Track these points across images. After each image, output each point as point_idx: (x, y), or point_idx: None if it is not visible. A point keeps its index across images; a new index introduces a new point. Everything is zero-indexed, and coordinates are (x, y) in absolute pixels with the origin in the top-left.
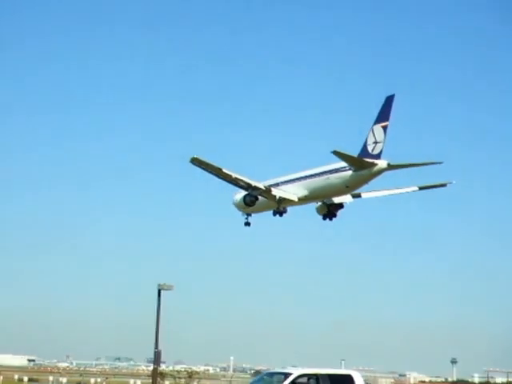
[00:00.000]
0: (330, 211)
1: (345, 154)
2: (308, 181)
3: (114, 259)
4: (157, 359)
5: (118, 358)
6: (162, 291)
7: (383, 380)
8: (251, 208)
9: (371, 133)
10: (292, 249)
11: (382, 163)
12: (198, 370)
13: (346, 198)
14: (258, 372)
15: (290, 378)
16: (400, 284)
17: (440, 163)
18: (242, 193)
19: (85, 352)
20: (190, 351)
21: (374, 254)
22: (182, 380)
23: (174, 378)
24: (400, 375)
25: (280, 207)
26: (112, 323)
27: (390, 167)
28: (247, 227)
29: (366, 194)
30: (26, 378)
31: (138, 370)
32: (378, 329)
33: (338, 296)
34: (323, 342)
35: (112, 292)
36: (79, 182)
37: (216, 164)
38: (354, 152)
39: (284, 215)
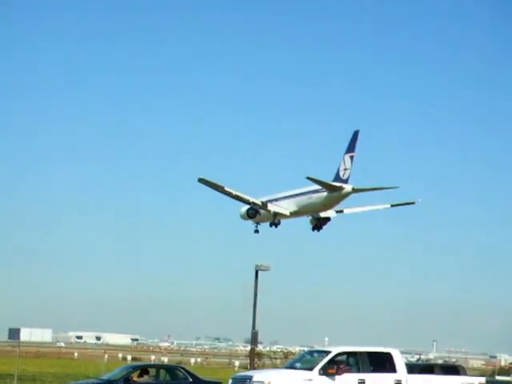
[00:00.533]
0: (317, 224)
1: (317, 180)
2: (297, 198)
3: (213, 239)
4: (254, 340)
5: (217, 339)
6: (259, 272)
7: (474, 361)
8: (254, 219)
9: (342, 161)
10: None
11: (347, 187)
12: (293, 350)
13: (331, 213)
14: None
15: (329, 356)
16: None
17: (396, 187)
18: (246, 207)
19: (185, 332)
20: (286, 332)
21: None
22: (278, 360)
23: (271, 358)
24: (491, 357)
25: (275, 220)
26: (212, 304)
27: (354, 190)
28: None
29: (348, 209)
30: (129, 357)
31: (236, 350)
32: (469, 310)
33: (421, 278)
34: (416, 324)
35: (211, 273)
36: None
37: (219, 183)
38: (331, 176)
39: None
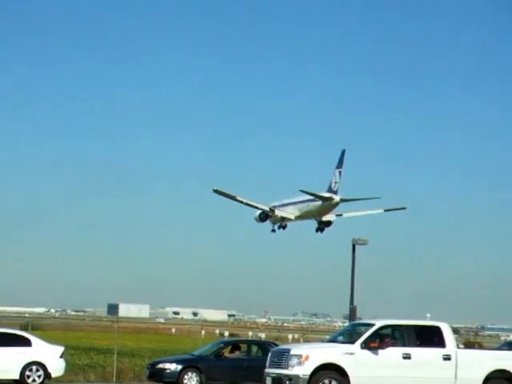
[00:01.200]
0: (320, 226)
1: (308, 192)
2: (299, 205)
3: None
4: (352, 315)
5: (315, 314)
6: (356, 246)
7: None
8: (268, 221)
9: (333, 175)
10: None
11: (336, 198)
12: None
13: (331, 217)
14: (455, 330)
15: (372, 329)
16: None
17: (378, 198)
18: (259, 211)
19: (282, 308)
20: (385, 307)
21: None
22: None
23: None
24: None
25: (282, 223)
26: (309, 279)
27: (342, 200)
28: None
29: (346, 214)
30: (226, 333)
31: (334, 326)
32: None
33: None
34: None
35: (308, 247)
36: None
37: (232, 193)
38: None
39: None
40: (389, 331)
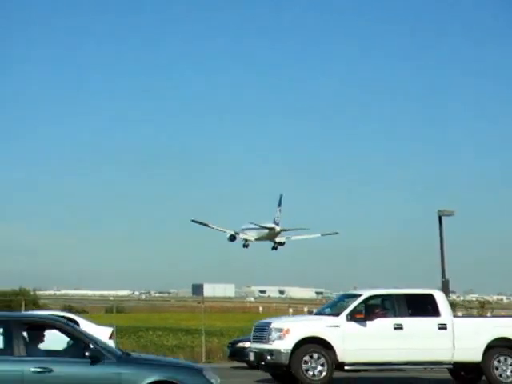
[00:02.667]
0: (275, 246)
1: (256, 224)
2: (255, 231)
3: (396, 185)
4: (445, 289)
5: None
6: (442, 218)
7: None
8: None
9: (276, 211)
10: None
11: (277, 228)
12: (490, 299)
13: (282, 239)
14: None
15: (359, 300)
16: None
17: (308, 228)
18: (228, 234)
19: (372, 284)
20: (481, 280)
21: None
22: (474, 310)
23: (466, 308)
24: None
25: (246, 243)
26: (395, 253)
27: (282, 230)
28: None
29: (294, 237)
30: (315, 310)
31: None
32: None
33: None
34: None
35: (394, 220)
36: None
37: (204, 221)
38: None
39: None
40: (378, 301)
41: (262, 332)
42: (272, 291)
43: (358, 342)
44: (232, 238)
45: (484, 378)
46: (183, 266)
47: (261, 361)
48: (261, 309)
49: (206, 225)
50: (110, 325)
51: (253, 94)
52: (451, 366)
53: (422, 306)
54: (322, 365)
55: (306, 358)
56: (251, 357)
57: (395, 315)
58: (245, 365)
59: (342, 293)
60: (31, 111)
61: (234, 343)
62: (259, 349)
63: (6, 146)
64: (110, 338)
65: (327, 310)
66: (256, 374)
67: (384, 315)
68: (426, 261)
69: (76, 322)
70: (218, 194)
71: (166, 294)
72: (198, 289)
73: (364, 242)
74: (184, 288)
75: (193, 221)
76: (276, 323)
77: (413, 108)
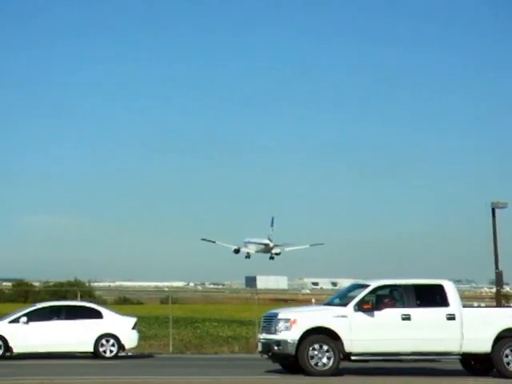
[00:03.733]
0: (271, 256)
1: (253, 241)
2: (255, 245)
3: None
4: (498, 281)
5: (459, 281)
6: (496, 210)
7: None
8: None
9: (270, 229)
10: None
11: (271, 244)
12: None
13: (278, 250)
14: None
15: (367, 290)
16: None
17: (287, 244)
18: (232, 248)
19: (426, 275)
20: None
21: None
22: None
23: None
24: None
25: (248, 255)
26: (450, 245)
27: (275, 246)
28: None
29: (287, 248)
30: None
31: (480, 292)
32: None
33: None
34: None
35: (446, 212)
36: None
37: (211, 239)
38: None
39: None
40: (386, 292)
41: (270, 322)
42: (324, 283)
43: (366, 333)
44: (236, 251)
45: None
46: (236, 258)
47: (268, 351)
48: (313, 300)
49: (213, 242)
50: (133, 315)
51: None
52: (460, 357)
53: (431, 296)
54: (329, 355)
55: (313, 348)
56: (259, 347)
57: (403, 305)
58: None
59: (352, 283)
60: (102, 104)
61: None
62: (267, 339)
63: (60, 136)
64: (134, 328)
65: (336, 301)
66: None
67: (392, 305)
68: (479, 252)
69: (99, 313)
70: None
71: (220, 286)
72: (251, 281)
73: (415, 234)
74: (237, 280)
75: (203, 239)
76: (283, 313)
77: (467, 98)
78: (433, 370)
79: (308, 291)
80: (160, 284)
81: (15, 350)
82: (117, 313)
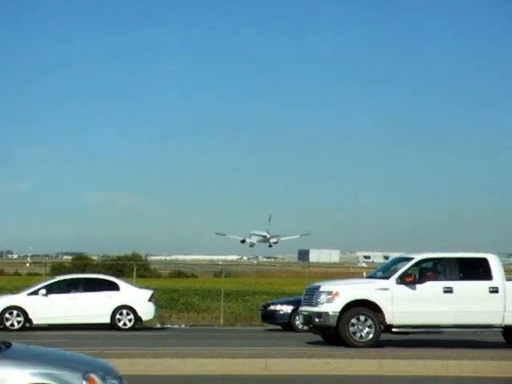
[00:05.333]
0: (270, 244)
1: (255, 233)
2: (256, 237)
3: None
4: None
5: (511, 255)
6: None
7: None
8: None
9: (268, 224)
10: None
11: (268, 235)
12: None
13: (275, 239)
14: None
15: (410, 263)
16: None
17: (280, 236)
18: (239, 239)
19: (473, 249)
20: None
21: None
22: None
23: None
24: None
25: (251, 244)
26: (499, 216)
27: (272, 237)
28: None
29: (282, 238)
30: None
31: None
32: None
33: None
34: None
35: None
36: None
37: (223, 232)
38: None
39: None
40: (430, 265)
41: (312, 295)
42: (377, 256)
43: (407, 305)
44: (243, 241)
45: None
46: (287, 232)
47: (309, 323)
48: (364, 274)
49: (224, 235)
50: (148, 288)
51: None
52: (501, 330)
53: (475, 269)
54: (370, 327)
55: (354, 320)
56: (300, 319)
57: (446, 279)
58: (278, 327)
59: (396, 256)
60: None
61: (266, 306)
62: (308, 311)
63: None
64: (150, 300)
65: (379, 274)
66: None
67: (435, 278)
68: None
69: (116, 285)
70: None
71: (273, 260)
72: (303, 254)
73: (467, 209)
74: (290, 254)
75: (217, 233)
76: (325, 286)
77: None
78: (473, 342)
79: (365, 265)
80: (215, 257)
81: (35, 322)
82: (133, 285)
